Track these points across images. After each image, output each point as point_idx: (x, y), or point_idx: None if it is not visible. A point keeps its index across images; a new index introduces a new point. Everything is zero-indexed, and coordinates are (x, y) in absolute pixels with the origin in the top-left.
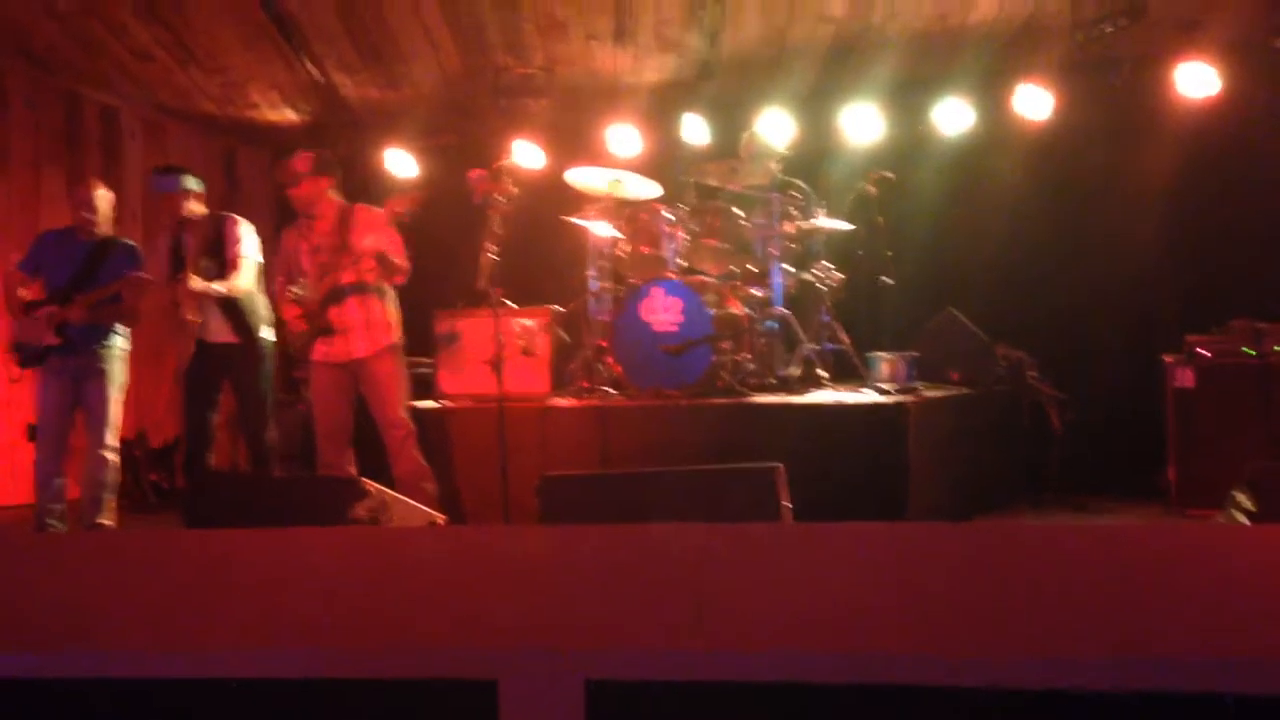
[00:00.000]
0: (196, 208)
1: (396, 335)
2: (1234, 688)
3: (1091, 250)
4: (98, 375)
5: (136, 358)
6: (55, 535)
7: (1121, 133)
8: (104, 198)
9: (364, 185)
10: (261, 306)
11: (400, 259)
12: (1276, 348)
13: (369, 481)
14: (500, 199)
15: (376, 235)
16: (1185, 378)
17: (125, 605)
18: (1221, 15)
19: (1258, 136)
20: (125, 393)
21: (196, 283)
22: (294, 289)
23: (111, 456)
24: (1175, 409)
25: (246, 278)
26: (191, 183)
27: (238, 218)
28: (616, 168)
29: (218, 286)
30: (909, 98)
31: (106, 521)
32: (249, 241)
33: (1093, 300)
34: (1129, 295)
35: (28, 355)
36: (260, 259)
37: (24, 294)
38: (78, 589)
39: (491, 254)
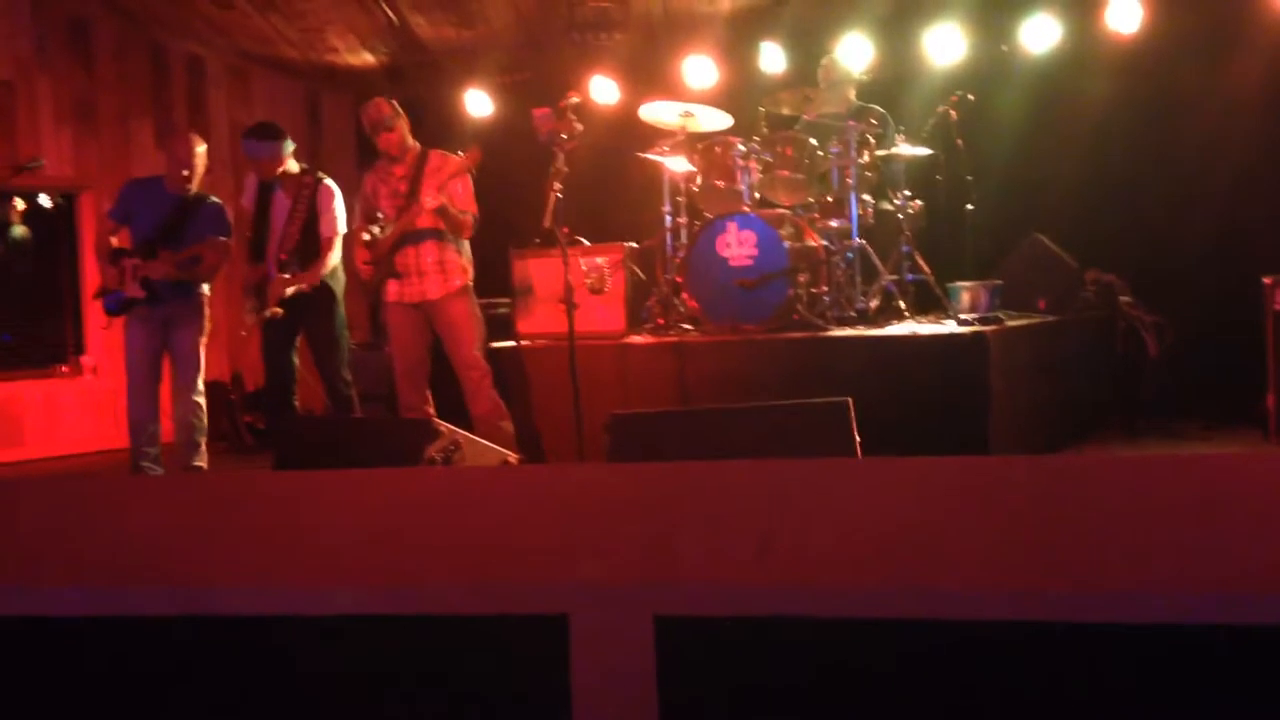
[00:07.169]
0: (289, 166)
1: (469, 277)
2: None
3: (1186, 169)
4: (183, 323)
5: (231, 302)
6: (150, 478)
7: (1216, 42)
8: (200, 154)
9: (443, 126)
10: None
11: (468, 208)
12: None
13: (441, 423)
14: (565, 137)
15: (446, 184)
16: None
17: (213, 544)
18: None
19: None
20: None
21: (287, 286)
22: (372, 229)
23: (200, 400)
24: (1275, 333)
25: (335, 258)
26: (289, 146)
27: (332, 187)
28: (693, 100)
29: (306, 284)
30: (993, 16)
31: (201, 464)
32: (341, 217)
33: (1188, 221)
34: (1226, 215)
35: (114, 304)
36: (346, 230)
37: (113, 242)
38: (169, 529)
39: (557, 192)
